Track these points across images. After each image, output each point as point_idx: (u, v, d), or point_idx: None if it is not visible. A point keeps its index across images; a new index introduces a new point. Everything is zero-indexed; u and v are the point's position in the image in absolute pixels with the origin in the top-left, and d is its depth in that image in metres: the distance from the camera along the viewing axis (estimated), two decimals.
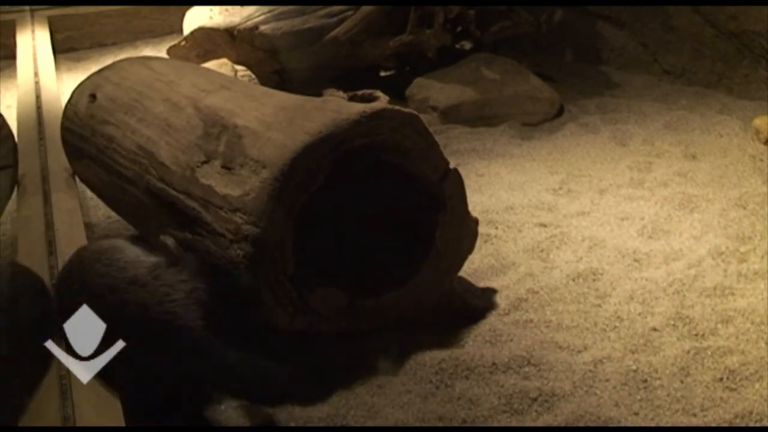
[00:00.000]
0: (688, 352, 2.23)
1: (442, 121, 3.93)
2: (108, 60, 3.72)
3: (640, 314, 2.43)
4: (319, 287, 2.26)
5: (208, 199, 2.24)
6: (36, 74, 4.17)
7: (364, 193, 2.53)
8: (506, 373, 2.19)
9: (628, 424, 2.00)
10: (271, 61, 4.25)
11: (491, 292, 2.58)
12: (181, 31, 4.63)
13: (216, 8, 4.44)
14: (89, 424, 1.78)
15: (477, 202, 3.04)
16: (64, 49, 5.18)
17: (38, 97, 3.83)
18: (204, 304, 2.04)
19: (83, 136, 2.81)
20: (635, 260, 2.72)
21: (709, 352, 2.22)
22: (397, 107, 2.32)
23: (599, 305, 2.49)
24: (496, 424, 2.02)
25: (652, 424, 2.01)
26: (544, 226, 2.96)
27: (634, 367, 2.19)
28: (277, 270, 2.16)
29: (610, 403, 2.08)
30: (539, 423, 2.02)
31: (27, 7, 5.33)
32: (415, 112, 2.34)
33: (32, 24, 5.10)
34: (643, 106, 4.02)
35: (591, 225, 2.96)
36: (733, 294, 2.50)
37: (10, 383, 1.89)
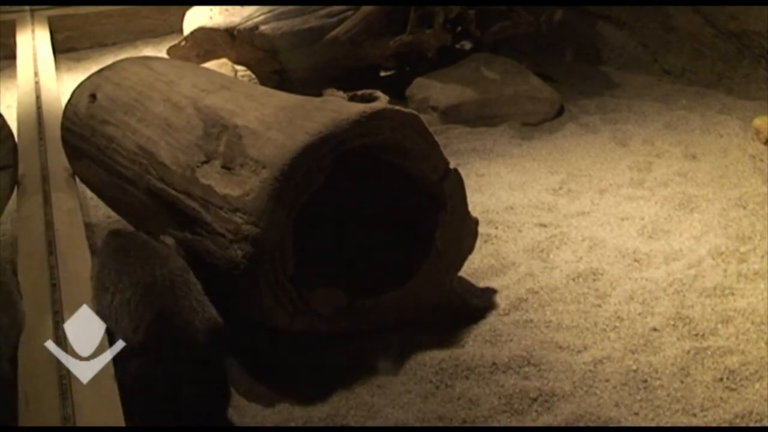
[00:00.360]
0: (688, 352, 2.23)
1: (442, 121, 3.93)
2: (108, 60, 3.72)
3: (640, 314, 2.43)
4: (319, 287, 2.26)
5: (208, 199, 2.24)
6: (36, 74, 4.17)
7: (364, 193, 2.53)
8: (506, 373, 2.19)
9: (628, 424, 2.01)
10: (271, 61, 4.25)
11: (491, 292, 2.58)
12: (181, 31, 4.63)
13: (216, 8, 4.43)
14: (89, 424, 1.78)
15: (477, 202, 3.04)
16: (64, 49, 5.19)
17: (38, 97, 3.83)
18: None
19: (83, 136, 2.81)
20: (635, 260, 2.72)
21: (709, 352, 2.22)
22: (397, 107, 2.32)
23: (599, 305, 2.49)
24: (496, 424, 2.03)
25: (652, 424, 2.01)
26: (544, 226, 2.96)
27: (634, 367, 2.19)
28: (277, 270, 2.16)
29: (610, 403, 2.08)
30: (539, 423, 2.03)
31: (27, 7, 5.34)
32: (415, 112, 2.34)
33: (32, 24, 5.10)
34: (643, 106, 4.02)
35: (591, 225, 2.96)
36: (733, 294, 2.50)
37: (10, 383, 1.89)
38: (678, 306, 2.45)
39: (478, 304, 2.52)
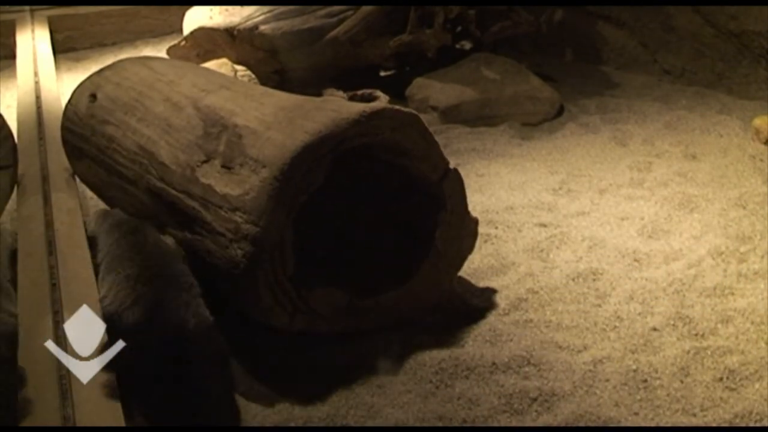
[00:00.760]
0: (688, 352, 2.23)
1: (442, 121, 3.93)
2: (108, 60, 3.72)
3: (640, 314, 2.43)
4: (319, 287, 2.26)
5: (208, 198, 2.24)
6: (36, 74, 4.17)
7: (364, 193, 2.53)
8: (506, 373, 2.19)
9: (628, 424, 2.00)
10: (271, 61, 4.25)
11: (491, 292, 2.58)
12: (181, 31, 4.63)
13: (216, 8, 4.43)
14: (89, 424, 1.78)
15: (477, 202, 3.04)
16: (64, 49, 5.19)
17: (38, 97, 3.83)
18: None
19: (83, 136, 2.81)
20: (635, 260, 2.72)
21: (709, 352, 2.22)
22: (397, 107, 2.32)
23: (599, 305, 2.49)
24: (496, 424, 2.03)
25: (652, 424, 2.01)
26: (544, 226, 2.96)
27: (634, 367, 2.19)
28: (277, 269, 2.16)
29: (610, 403, 2.08)
30: (539, 423, 2.02)
31: (27, 7, 5.34)
32: (415, 112, 2.34)
33: (32, 24, 5.10)
34: (643, 106, 4.02)
35: (591, 225, 2.96)
36: (733, 294, 2.50)
37: (10, 383, 1.89)
38: (678, 306, 2.45)
39: (478, 304, 2.52)
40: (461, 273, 2.56)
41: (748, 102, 3.93)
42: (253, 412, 2.10)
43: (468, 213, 2.47)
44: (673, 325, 2.36)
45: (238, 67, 4.20)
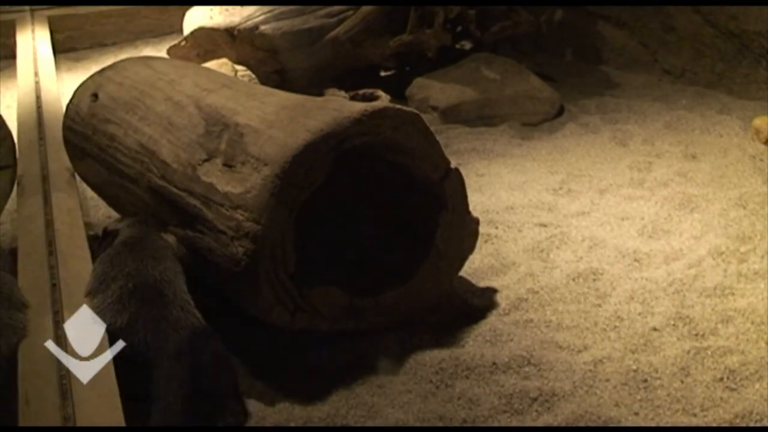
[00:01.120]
0: (688, 352, 2.23)
1: (442, 120, 3.93)
2: (108, 60, 3.73)
3: (640, 314, 2.43)
4: (320, 286, 2.26)
5: (210, 196, 2.24)
6: (36, 74, 4.16)
7: (365, 192, 2.53)
8: (506, 373, 2.19)
9: (628, 424, 2.00)
10: (271, 61, 4.25)
11: (491, 292, 2.58)
12: (181, 31, 4.63)
13: (216, 8, 4.44)
14: (89, 424, 1.78)
15: (477, 202, 3.04)
16: (64, 49, 5.19)
17: (38, 97, 3.83)
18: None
19: (85, 135, 2.81)
20: (635, 260, 2.72)
21: (709, 352, 2.22)
22: (398, 106, 2.32)
23: (599, 305, 2.49)
24: (496, 424, 2.02)
25: (652, 424, 2.01)
26: (544, 226, 2.96)
27: (634, 367, 2.19)
28: (278, 267, 2.16)
29: (610, 403, 2.07)
30: (539, 423, 2.02)
31: (27, 7, 5.34)
32: (417, 111, 2.34)
33: (32, 24, 5.10)
34: (643, 106, 4.03)
35: (591, 225, 2.96)
36: (733, 294, 2.50)
37: (10, 383, 1.89)
38: (678, 306, 2.45)
39: (478, 304, 2.52)
40: (461, 273, 2.56)
41: (748, 102, 3.94)
42: (253, 412, 2.10)
43: (469, 213, 2.47)
44: (674, 325, 2.36)
45: (239, 67, 4.20)
